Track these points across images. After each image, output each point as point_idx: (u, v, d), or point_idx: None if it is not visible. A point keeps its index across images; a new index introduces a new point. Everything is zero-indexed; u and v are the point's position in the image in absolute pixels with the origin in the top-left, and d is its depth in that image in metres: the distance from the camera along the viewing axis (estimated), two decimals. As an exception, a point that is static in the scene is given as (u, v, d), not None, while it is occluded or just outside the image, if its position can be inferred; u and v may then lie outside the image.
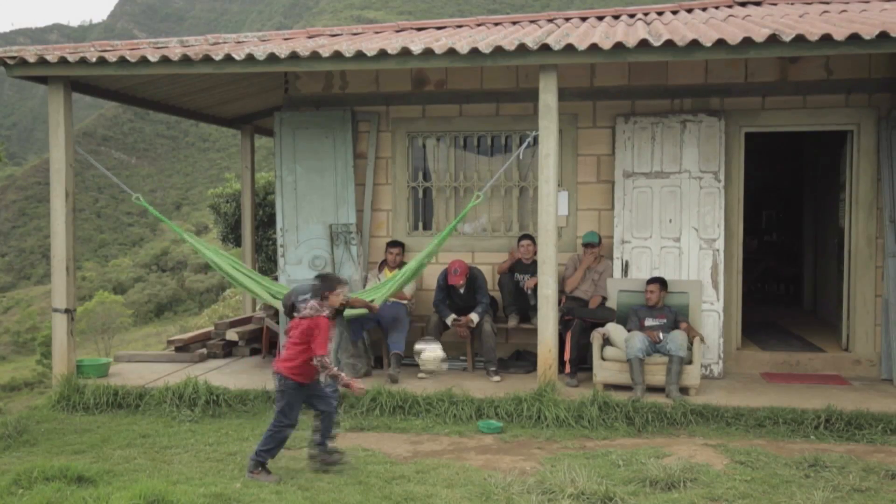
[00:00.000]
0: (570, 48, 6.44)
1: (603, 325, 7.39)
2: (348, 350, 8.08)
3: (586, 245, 7.90)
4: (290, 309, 5.39)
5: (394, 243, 8.26)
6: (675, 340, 6.91)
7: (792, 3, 8.64)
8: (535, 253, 7.79)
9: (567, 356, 7.48)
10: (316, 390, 5.27)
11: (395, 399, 6.80)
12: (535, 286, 7.77)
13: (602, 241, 7.97)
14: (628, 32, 6.96)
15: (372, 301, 7.08)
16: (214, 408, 6.90)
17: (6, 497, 4.75)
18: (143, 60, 7.00)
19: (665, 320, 7.23)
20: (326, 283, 5.22)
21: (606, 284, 7.84)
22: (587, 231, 8.04)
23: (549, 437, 6.14)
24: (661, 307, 7.35)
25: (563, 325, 7.58)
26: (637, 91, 8.15)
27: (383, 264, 8.30)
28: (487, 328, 7.76)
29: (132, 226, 62.24)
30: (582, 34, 7.13)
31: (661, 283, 7.40)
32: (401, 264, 8.13)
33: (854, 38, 6.01)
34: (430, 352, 6.13)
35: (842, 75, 7.82)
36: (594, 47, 6.40)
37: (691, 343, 7.02)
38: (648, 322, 7.24)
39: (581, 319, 7.58)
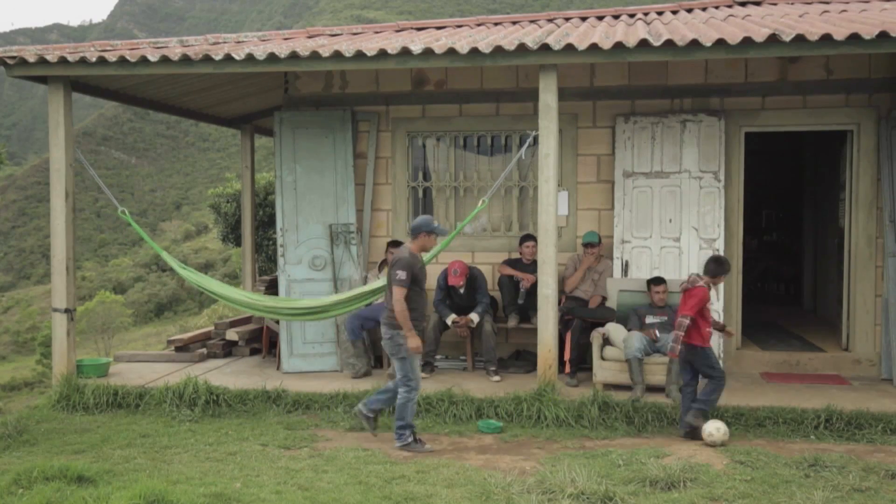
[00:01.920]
0: (570, 48, 6.44)
1: (603, 324, 7.39)
2: (348, 350, 8.10)
3: (586, 245, 7.89)
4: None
5: (394, 243, 8.25)
6: (676, 340, 6.90)
7: (792, 3, 8.64)
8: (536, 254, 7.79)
9: (567, 356, 7.48)
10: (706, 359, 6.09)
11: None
12: (530, 287, 7.77)
13: (602, 240, 7.97)
14: (628, 32, 6.96)
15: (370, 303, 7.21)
16: (214, 408, 6.90)
17: (6, 497, 4.75)
18: (143, 60, 7.00)
19: (666, 318, 7.23)
20: (716, 266, 6.11)
21: (606, 284, 7.84)
22: (587, 231, 8.04)
23: (549, 437, 6.14)
24: (663, 306, 7.35)
25: (563, 324, 7.58)
26: (637, 91, 8.15)
27: (383, 264, 8.30)
28: (487, 328, 7.76)
29: (132, 225, 62.14)
30: (582, 34, 7.13)
31: (664, 282, 7.40)
32: (401, 264, 8.13)
33: (854, 38, 6.01)
34: (715, 432, 5.84)
35: (842, 75, 7.82)
36: (594, 47, 6.40)
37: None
38: (650, 319, 7.24)
39: (581, 319, 7.58)
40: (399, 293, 5.84)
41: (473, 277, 7.93)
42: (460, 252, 8.43)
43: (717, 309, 7.73)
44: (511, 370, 7.96)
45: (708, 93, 8.03)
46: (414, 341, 5.86)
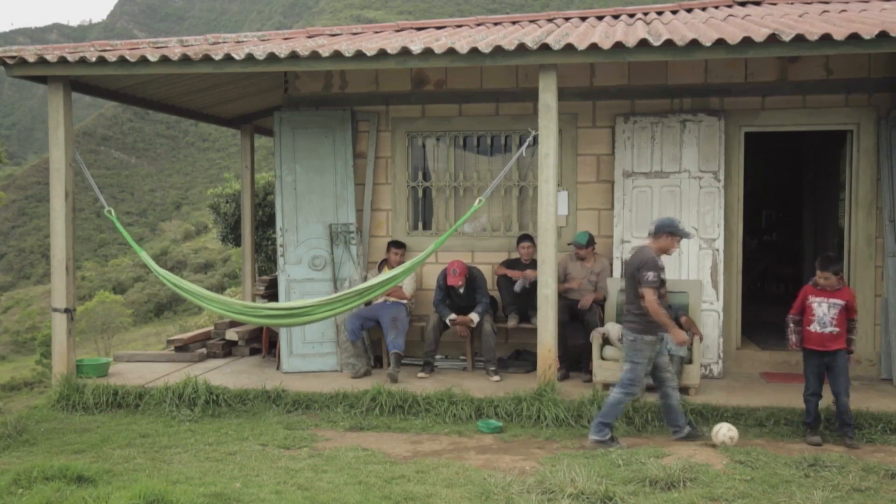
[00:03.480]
0: (569, 48, 6.44)
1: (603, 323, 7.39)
2: (348, 350, 8.10)
3: (575, 245, 7.83)
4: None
5: (396, 244, 8.25)
6: (676, 340, 6.88)
7: (792, 3, 8.64)
8: (533, 254, 7.78)
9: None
10: (832, 361, 6.05)
11: (394, 399, 6.81)
12: (526, 283, 7.75)
13: (596, 240, 7.94)
14: (628, 32, 6.96)
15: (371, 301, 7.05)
16: (214, 407, 6.90)
17: (6, 497, 4.75)
18: (143, 60, 7.00)
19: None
20: (820, 261, 6.09)
21: (606, 284, 7.83)
22: (579, 232, 7.98)
23: (549, 437, 6.15)
24: (667, 306, 7.33)
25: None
26: (637, 91, 8.14)
27: (383, 264, 8.30)
28: (487, 328, 7.76)
29: (132, 225, 62.08)
30: (582, 34, 7.13)
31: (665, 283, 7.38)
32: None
33: (854, 38, 6.01)
34: (724, 434, 5.86)
35: (841, 75, 7.82)
36: (594, 47, 6.40)
37: (691, 342, 7.01)
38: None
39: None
40: (651, 294, 5.76)
41: (473, 277, 7.93)
42: (460, 252, 8.43)
43: (716, 309, 7.74)
44: (511, 370, 7.96)
45: (708, 93, 8.03)
46: (679, 335, 5.89)
